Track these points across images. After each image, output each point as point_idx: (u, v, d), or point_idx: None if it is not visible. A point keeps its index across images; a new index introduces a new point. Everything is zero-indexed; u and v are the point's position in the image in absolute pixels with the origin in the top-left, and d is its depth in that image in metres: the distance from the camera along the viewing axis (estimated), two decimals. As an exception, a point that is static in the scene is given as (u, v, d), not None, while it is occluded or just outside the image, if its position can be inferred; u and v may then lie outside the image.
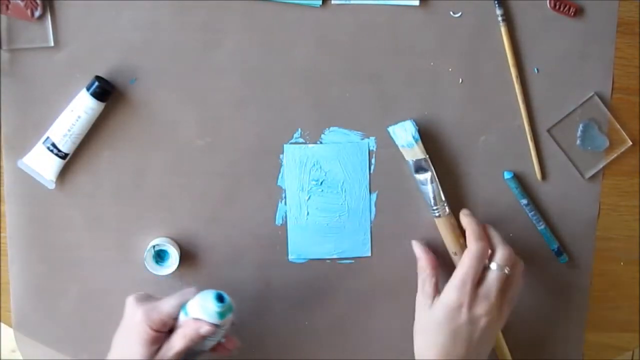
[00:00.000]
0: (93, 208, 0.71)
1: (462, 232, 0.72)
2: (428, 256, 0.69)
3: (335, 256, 0.74)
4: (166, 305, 0.62)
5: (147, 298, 0.64)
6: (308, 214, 0.73)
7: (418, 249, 0.70)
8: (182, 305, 0.62)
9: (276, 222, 0.73)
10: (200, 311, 0.61)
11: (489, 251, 0.67)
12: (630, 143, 0.75)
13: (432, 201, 0.71)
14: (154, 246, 0.69)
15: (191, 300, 0.62)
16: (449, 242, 0.72)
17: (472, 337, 0.64)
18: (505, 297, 0.66)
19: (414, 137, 0.70)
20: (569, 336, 0.78)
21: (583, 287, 0.77)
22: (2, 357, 0.77)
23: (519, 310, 0.76)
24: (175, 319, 0.62)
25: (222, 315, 0.61)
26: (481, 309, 0.64)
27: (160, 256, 0.70)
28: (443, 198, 0.71)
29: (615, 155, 0.75)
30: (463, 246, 0.73)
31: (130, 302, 0.63)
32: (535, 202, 0.75)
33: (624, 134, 0.75)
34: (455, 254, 0.72)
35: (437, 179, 0.71)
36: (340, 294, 0.75)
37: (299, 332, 0.75)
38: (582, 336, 0.78)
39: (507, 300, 0.67)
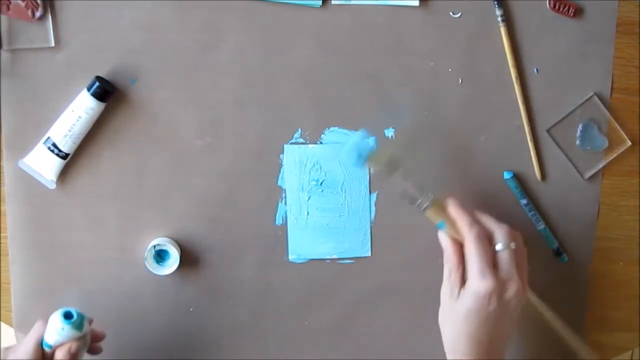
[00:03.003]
0: (93, 208, 0.71)
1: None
2: (454, 247, 0.68)
3: (335, 256, 0.74)
4: (27, 353, 0.61)
5: (6, 353, 0.63)
6: (308, 214, 0.73)
7: (444, 240, 0.69)
8: (41, 341, 0.62)
9: (276, 222, 0.73)
10: (59, 337, 0.61)
11: (489, 233, 0.67)
12: (630, 143, 0.75)
13: (413, 197, 0.69)
14: (154, 246, 0.69)
15: (45, 332, 0.62)
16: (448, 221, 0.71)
17: (504, 320, 0.64)
18: (522, 270, 0.66)
19: (361, 155, 0.69)
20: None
21: (583, 287, 0.77)
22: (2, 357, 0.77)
23: (519, 310, 0.76)
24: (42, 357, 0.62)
25: (80, 326, 0.62)
26: (510, 291, 0.64)
27: (160, 256, 0.70)
28: (423, 189, 0.69)
29: (615, 155, 0.75)
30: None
31: None
32: (535, 202, 0.75)
33: (624, 134, 0.75)
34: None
35: (410, 173, 0.69)
36: (340, 294, 0.75)
37: (299, 332, 0.75)
38: (582, 336, 0.78)
39: (523, 272, 0.66)
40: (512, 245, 0.66)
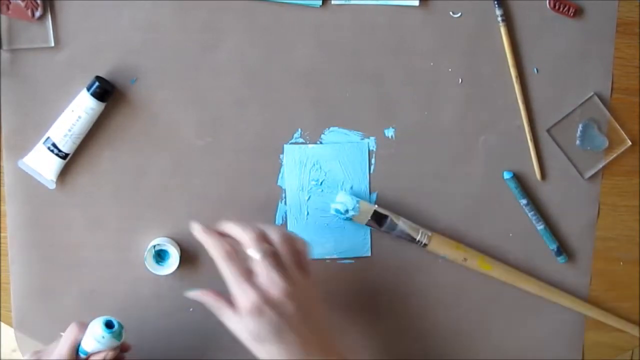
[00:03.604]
0: (93, 208, 0.71)
1: (455, 240, 0.73)
2: (207, 293, 0.64)
3: (335, 256, 0.74)
4: (61, 356, 0.61)
5: (40, 357, 0.62)
6: (308, 214, 0.73)
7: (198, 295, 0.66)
8: (76, 346, 0.62)
9: (276, 222, 0.73)
10: (98, 345, 0.61)
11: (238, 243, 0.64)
12: (630, 143, 0.75)
13: (411, 237, 0.71)
14: (154, 246, 0.69)
15: (83, 338, 0.62)
16: (451, 254, 0.73)
17: (295, 321, 0.61)
18: (288, 265, 0.63)
19: (353, 208, 0.70)
20: (569, 336, 0.78)
21: (583, 287, 0.77)
22: (2, 357, 0.77)
23: (519, 310, 0.76)
24: None
25: (119, 336, 0.62)
26: (277, 297, 0.60)
27: (160, 256, 0.70)
28: (417, 227, 0.72)
29: (615, 155, 0.75)
30: (465, 248, 0.73)
31: None
32: (534, 202, 0.75)
33: (624, 134, 0.75)
34: (465, 259, 0.73)
35: (401, 217, 0.71)
36: (340, 294, 0.75)
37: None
38: (582, 336, 0.78)
39: (292, 263, 0.63)
40: (263, 248, 0.62)
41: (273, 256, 0.62)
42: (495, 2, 0.71)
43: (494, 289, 0.76)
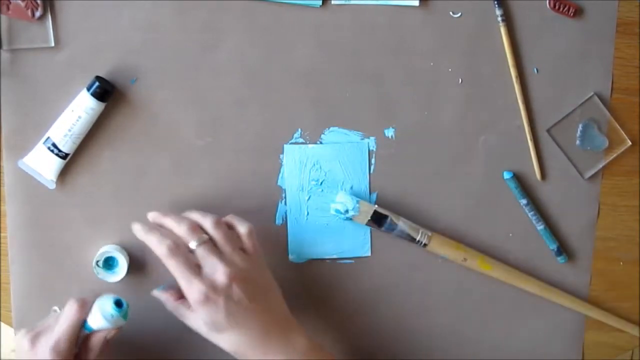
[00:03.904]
0: (93, 208, 0.71)
1: (455, 240, 0.73)
2: (164, 293, 0.65)
3: (335, 256, 0.74)
4: (63, 334, 0.61)
5: (37, 335, 0.62)
6: (308, 214, 0.73)
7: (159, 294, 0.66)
8: (79, 323, 0.62)
9: (276, 222, 0.73)
10: (105, 322, 0.62)
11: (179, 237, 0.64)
12: (630, 143, 0.75)
13: (411, 237, 0.71)
14: (102, 254, 0.68)
15: (90, 315, 0.62)
16: (451, 254, 0.73)
17: (246, 303, 0.62)
18: (225, 249, 0.63)
19: (353, 208, 0.70)
20: (569, 336, 0.78)
21: (583, 287, 0.77)
22: (2, 357, 0.77)
23: (519, 310, 0.76)
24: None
25: (126, 316, 0.63)
26: (222, 281, 0.61)
27: (109, 263, 0.69)
28: (417, 227, 0.72)
29: (615, 155, 0.75)
30: (465, 248, 0.73)
31: (25, 345, 0.61)
32: (535, 202, 0.75)
33: (624, 134, 0.75)
34: (465, 259, 0.73)
35: (401, 217, 0.71)
36: (340, 294, 0.75)
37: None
38: (582, 336, 0.78)
39: (229, 247, 0.63)
40: (201, 238, 0.62)
41: (208, 242, 0.62)
42: (495, 2, 0.71)
43: (494, 289, 0.76)
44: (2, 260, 0.71)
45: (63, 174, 0.69)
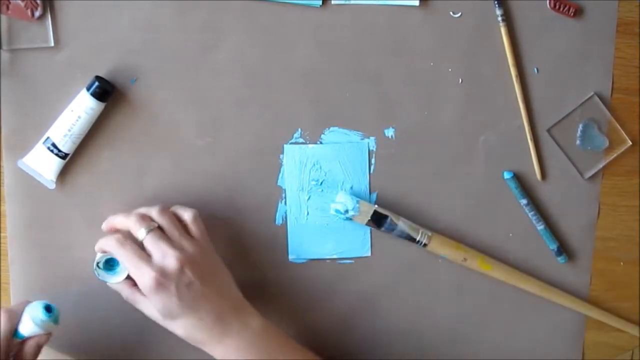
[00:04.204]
0: (93, 208, 0.71)
1: (455, 240, 0.73)
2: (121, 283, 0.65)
3: (335, 256, 0.74)
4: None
5: None
6: (308, 214, 0.73)
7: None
8: (11, 332, 0.62)
9: (276, 222, 0.73)
10: (36, 328, 0.62)
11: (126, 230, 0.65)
12: (630, 143, 0.75)
13: (411, 237, 0.71)
14: (103, 256, 0.66)
15: (21, 323, 0.62)
16: (451, 254, 0.73)
17: (198, 288, 0.62)
18: (173, 235, 0.63)
19: (353, 208, 0.70)
20: (569, 336, 0.78)
21: (583, 287, 0.77)
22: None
23: (519, 310, 0.76)
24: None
25: (57, 320, 0.63)
26: (172, 266, 0.61)
27: (110, 264, 0.68)
28: (417, 227, 0.72)
29: (615, 155, 0.75)
30: (465, 248, 0.73)
31: None
32: (535, 202, 0.75)
33: (624, 134, 0.75)
34: (465, 259, 0.73)
35: (401, 217, 0.71)
36: (340, 294, 0.75)
37: (299, 332, 0.75)
38: (582, 336, 0.78)
39: (177, 233, 0.64)
40: (148, 227, 0.63)
41: (156, 230, 0.63)
42: (496, 2, 0.71)
43: (494, 289, 0.76)
44: (2, 260, 0.71)
45: (63, 174, 0.69)
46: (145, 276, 0.61)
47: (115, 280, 0.67)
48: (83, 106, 0.67)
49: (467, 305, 0.76)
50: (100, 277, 0.66)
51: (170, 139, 0.71)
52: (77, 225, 0.71)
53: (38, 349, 0.63)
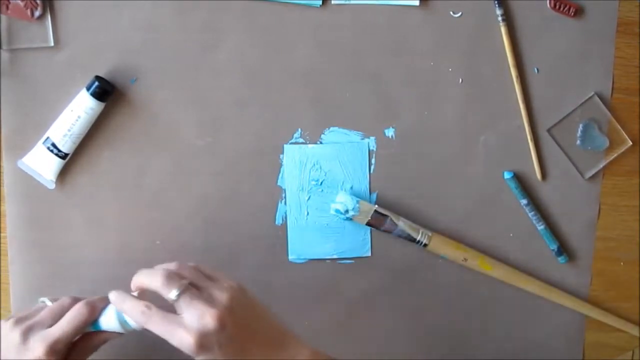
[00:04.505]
0: (93, 208, 0.71)
1: (455, 240, 0.74)
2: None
3: (335, 256, 0.74)
4: (64, 335, 0.58)
5: (29, 329, 0.59)
6: (308, 214, 0.73)
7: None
8: (86, 324, 0.60)
9: (276, 222, 0.73)
10: (118, 327, 0.59)
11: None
12: (630, 143, 0.75)
13: (411, 237, 0.72)
14: None
15: (105, 316, 0.60)
16: (451, 254, 0.73)
17: (241, 337, 0.58)
18: (206, 290, 0.58)
19: (353, 208, 0.70)
20: (569, 336, 0.78)
21: (583, 287, 0.77)
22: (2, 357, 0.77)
23: (519, 310, 0.76)
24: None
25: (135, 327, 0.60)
26: (212, 327, 0.56)
27: None
28: (417, 227, 0.72)
29: (615, 155, 0.75)
30: (465, 248, 0.73)
31: (15, 338, 0.58)
32: (535, 202, 0.75)
33: (624, 134, 0.75)
34: (465, 259, 0.73)
35: (401, 217, 0.72)
36: (340, 294, 0.75)
37: (299, 332, 0.75)
38: (582, 336, 0.78)
39: (211, 285, 0.59)
40: (179, 288, 0.57)
41: (189, 289, 0.58)
42: (496, 2, 0.71)
43: (494, 289, 0.76)
44: (1, 260, 0.71)
45: (63, 174, 0.69)
46: (184, 342, 0.56)
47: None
48: (83, 106, 0.67)
49: (467, 305, 0.76)
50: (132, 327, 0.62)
51: (170, 139, 0.71)
52: (77, 225, 0.71)
53: (99, 345, 0.61)
